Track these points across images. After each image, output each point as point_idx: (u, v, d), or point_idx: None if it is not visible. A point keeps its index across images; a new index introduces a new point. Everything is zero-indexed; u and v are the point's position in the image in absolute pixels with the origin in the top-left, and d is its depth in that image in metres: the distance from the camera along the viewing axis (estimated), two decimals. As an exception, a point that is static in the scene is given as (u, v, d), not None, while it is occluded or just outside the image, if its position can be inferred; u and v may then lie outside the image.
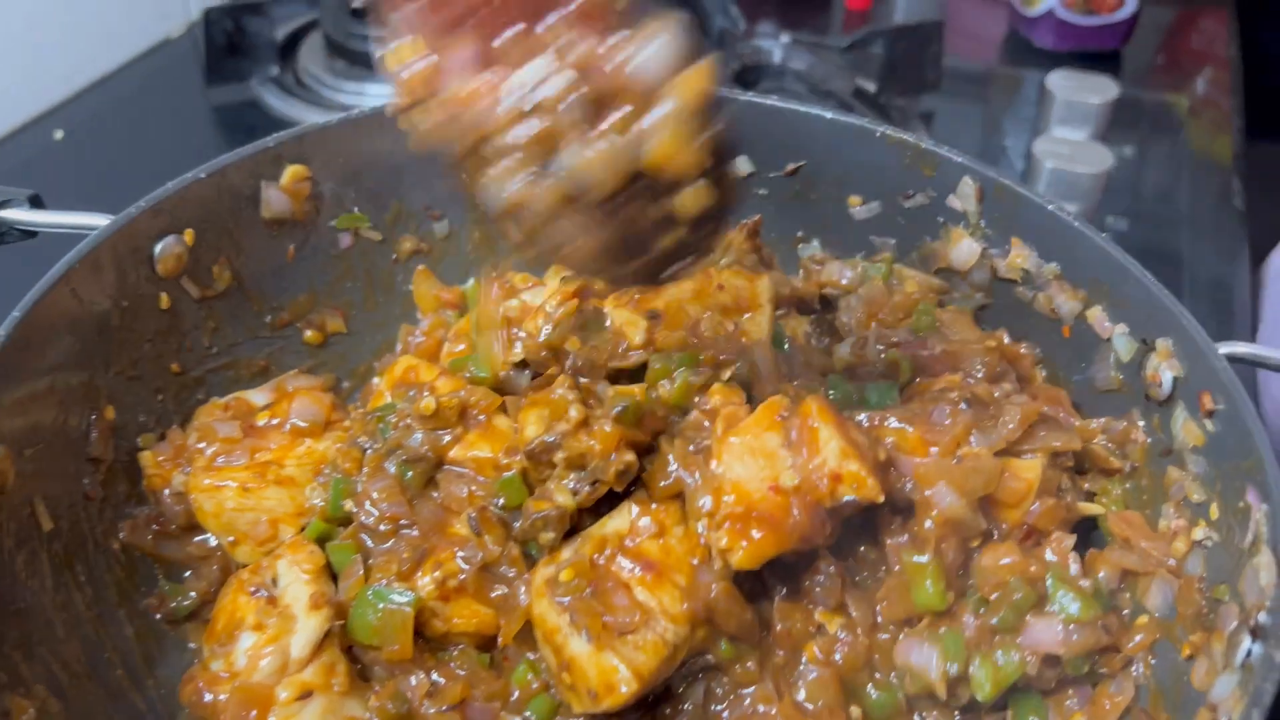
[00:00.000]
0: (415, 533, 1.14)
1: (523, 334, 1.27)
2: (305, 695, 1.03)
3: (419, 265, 1.50)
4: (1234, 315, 1.86)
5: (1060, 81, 2.25)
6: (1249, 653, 0.90)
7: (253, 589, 1.11)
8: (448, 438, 1.17)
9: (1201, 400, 1.08)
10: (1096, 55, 2.58)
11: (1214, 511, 1.06)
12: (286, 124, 2.25)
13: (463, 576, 1.10)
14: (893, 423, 1.15)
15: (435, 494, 1.16)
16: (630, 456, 1.09)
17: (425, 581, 1.10)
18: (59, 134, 2.29)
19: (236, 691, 1.02)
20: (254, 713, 1.02)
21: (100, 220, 1.20)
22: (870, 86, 2.29)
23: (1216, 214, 2.17)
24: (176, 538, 1.23)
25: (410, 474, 1.15)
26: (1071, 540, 1.13)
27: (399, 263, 1.49)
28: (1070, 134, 2.20)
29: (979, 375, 1.25)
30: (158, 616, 1.20)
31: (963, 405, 1.15)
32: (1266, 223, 2.33)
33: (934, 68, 2.39)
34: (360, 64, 2.40)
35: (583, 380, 1.15)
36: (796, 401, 1.08)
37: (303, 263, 1.41)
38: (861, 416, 1.15)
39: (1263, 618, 0.89)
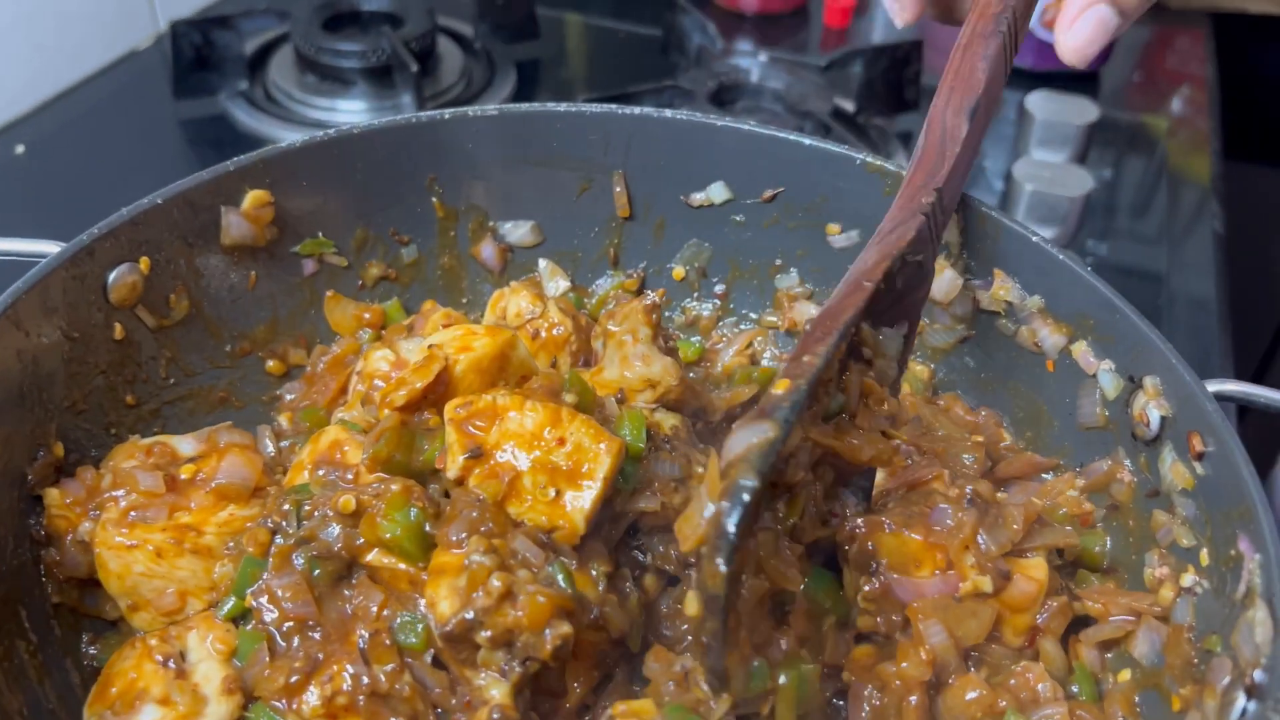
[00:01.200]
0: (318, 635, 1.06)
1: (379, 389, 1.21)
2: None
3: (330, 290, 1.44)
4: (1214, 339, 1.84)
5: (1040, 103, 2.24)
6: (1244, 711, 0.87)
7: (160, 658, 1.04)
8: (362, 539, 1.08)
9: (1190, 441, 1.05)
10: (1075, 76, 2.56)
11: (1204, 558, 1.03)
12: (255, 139, 2.21)
13: (349, 693, 1.02)
14: (890, 527, 1.11)
15: (348, 592, 1.08)
16: (566, 628, 1.00)
17: (312, 696, 1.01)
18: (20, 148, 2.23)
19: None
20: None
21: (51, 247, 1.16)
22: (849, 106, 2.27)
23: (1195, 236, 2.16)
24: (90, 591, 1.15)
25: (318, 571, 1.07)
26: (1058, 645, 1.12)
27: (365, 289, 1.45)
28: (1049, 156, 2.19)
29: (972, 470, 1.21)
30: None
31: (967, 504, 1.11)
32: (1245, 245, 2.32)
33: (913, 88, 2.37)
34: (331, 79, 2.35)
35: (487, 529, 1.05)
36: None
37: (264, 290, 1.36)
38: (857, 524, 1.12)
39: (1258, 676, 0.86)
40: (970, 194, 1.28)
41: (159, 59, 2.54)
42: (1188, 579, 1.05)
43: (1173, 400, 1.09)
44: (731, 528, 0.95)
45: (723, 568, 0.95)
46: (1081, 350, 1.21)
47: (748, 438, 1.00)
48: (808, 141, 1.37)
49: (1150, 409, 1.11)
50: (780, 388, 1.04)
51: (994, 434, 1.34)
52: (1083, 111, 2.23)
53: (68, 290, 1.14)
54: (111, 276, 1.19)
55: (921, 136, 1.23)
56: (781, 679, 1.05)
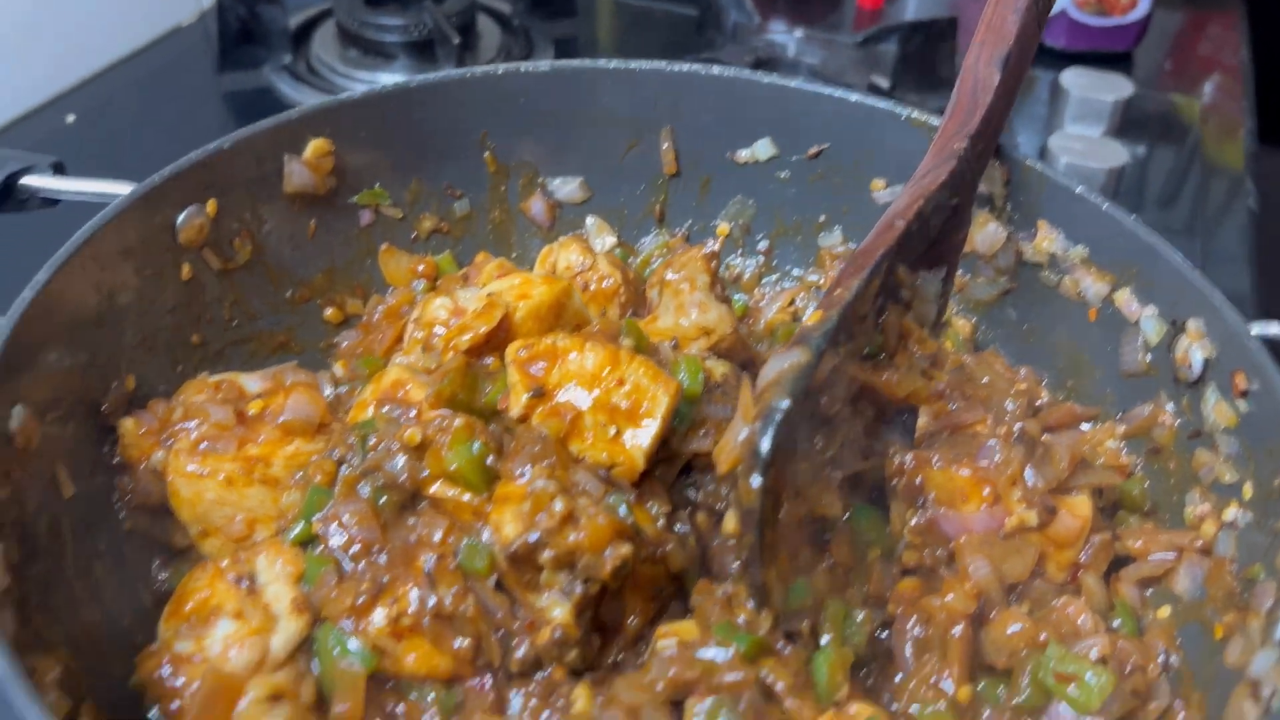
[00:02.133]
0: (384, 559, 1.09)
1: (439, 336, 1.25)
2: (275, 698, 1.00)
3: (385, 243, 1.48)
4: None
5: (1074, 79, 2.25)
6: (1288, 628, 0.89)
7: (233, 577, 1.07)
8: (427, 471, 1.11)
9: (1234, 380, 1.07)
10: (1107, 57, 2.58)
11: (1247, 492, 1.05)
12: (299, 111, 2.25)
13: (415, 615, 1.05)
14: (938, 462, 1.13)
15: (413, 520, 1.11)
16: (626, 549, 1.02)
17: (379, 616, 1.05)
18: (71, 118, 2.28)
19: (210, 677, 0.98)
20: (221, 703, 0.97)
21: (123, 188, 1.20)
22: (884, 83, 2.29)
23: (1229, 215, 2.17)
24: (160, 519, 1.18)
25: (384, 499, 1.10)
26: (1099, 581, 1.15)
27: (418, 241, 1.48)
28: (1084, 131, 2.21)
29: (1014, 416, 1.23)
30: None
31: (1015, 440, 1.14)
32: (1276, 233, 2.33)
33: (947, 65, 2.39)
34: (373, 52, 2.39)
35: (550, 463, 1.07)
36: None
37: (323, 239, 1.40)
38: (906, 459, 1.14)
39: (1303, 592, 0.89)
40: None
41: (202, 35, 2.59)
42: (1230, 514, 1.07)
43: (1216, 341, 1.11)
44: (765, 445, 0.99)
45: (755, 483, 0.98)
46: (1124, 298, 1.23)
47: (780, 363, 1.04)
48: (854, 98, 1.40)
49: (1193, 351, 1.13)
50: (813, 319, 1.08)
51: (1033, 391, 1.36)
52: (1117, 88, 2.25)
53: (140, 228, 1.18)
54: (180, 218, 1.23)
55: (955, 88, 1.27)
56: (831, 609, 1.08)
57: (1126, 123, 2.27)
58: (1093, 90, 2.23)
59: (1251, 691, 0.91)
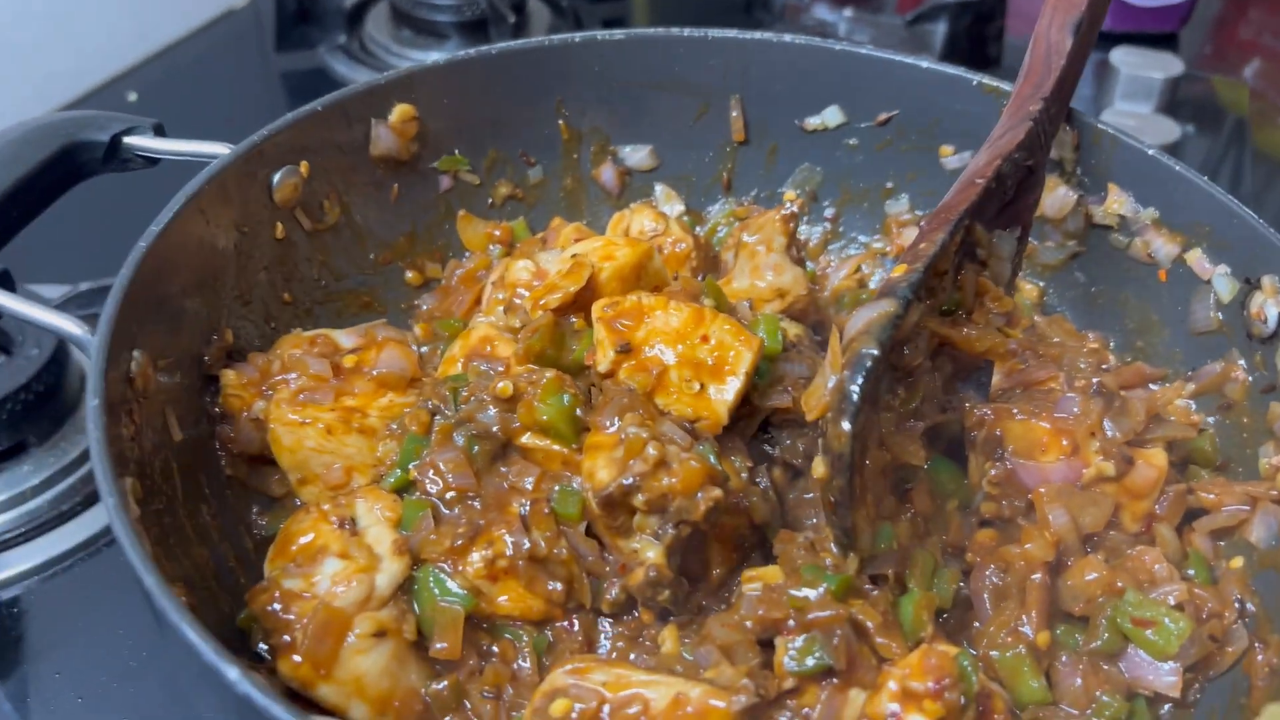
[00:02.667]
0: (478, 505, 1.13)
1: (523, 297, 1.29)
2: (380, 634, 1.04)
3: (462, 209, 1.51)
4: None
5: (1124, 57, 2.27)
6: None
7: (336, 520, 1.11)
8: (518, 423, 1.16)
9: (1311, 333, 1.10)
10: (1153, 38, 2.59)
11: (1324, 440, 1.08)
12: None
13: (510, 558, 1.09)
14: (1018, 415, 1.16)
15: (505, 468, 1.16)
16: (717, 492, 1.06)
17: (475, 558, 1.09)
18: (132, 96, 2.33)
19: (323, 610, 1.02)
20: (331, 638, 1.02)
21: (222, 148, 1.23)
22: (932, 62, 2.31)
23: (1270, 186, 2.18)
24: (259, 468, 1.23)
25: (477, 448, 1.14)
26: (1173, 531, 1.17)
27: (494, 207, 1.52)
28: (1133, 109, 2.22)
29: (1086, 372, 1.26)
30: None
31: (1093, 393, 1.16)
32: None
33: (996, 44, 2.41)
34: (425, 32, 2.43)
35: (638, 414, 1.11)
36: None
37: (405, 203, 1.44)
38: (985, 411, 1.16)
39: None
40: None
41: (253, 17, 2.63)
42: (1306, 462, 1.10)
43: (1292, 296, 1.14)
44: (854, 391, 1.02)
45: (847, 427, 1.01)
46: (1196, 257, 1.25)
47: (868, 314, 1.07)
48: (924, 64, 1.42)
49: (1269, 306, 1.16)
50: (899, 271, 1.11)
51: (1101, 354, 1.39)
52: (1167, 66, 2.26)
53: (240, 185, 1.22)
54: (276, 177, 1.27)
55: (1028, 53, 1.30)
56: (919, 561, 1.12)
57: (1173, 103, 2.28)
58: (1142, 68, 2.24)
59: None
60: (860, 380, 1.02)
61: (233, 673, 0.73)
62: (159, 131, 1.26)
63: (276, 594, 1.04)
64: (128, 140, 1.24)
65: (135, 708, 1.25)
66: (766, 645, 1.04)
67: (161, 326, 1.11)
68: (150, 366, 1.07)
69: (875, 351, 1.03)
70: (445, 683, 1.07)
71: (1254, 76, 2.66)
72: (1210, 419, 1.26)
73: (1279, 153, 2.34)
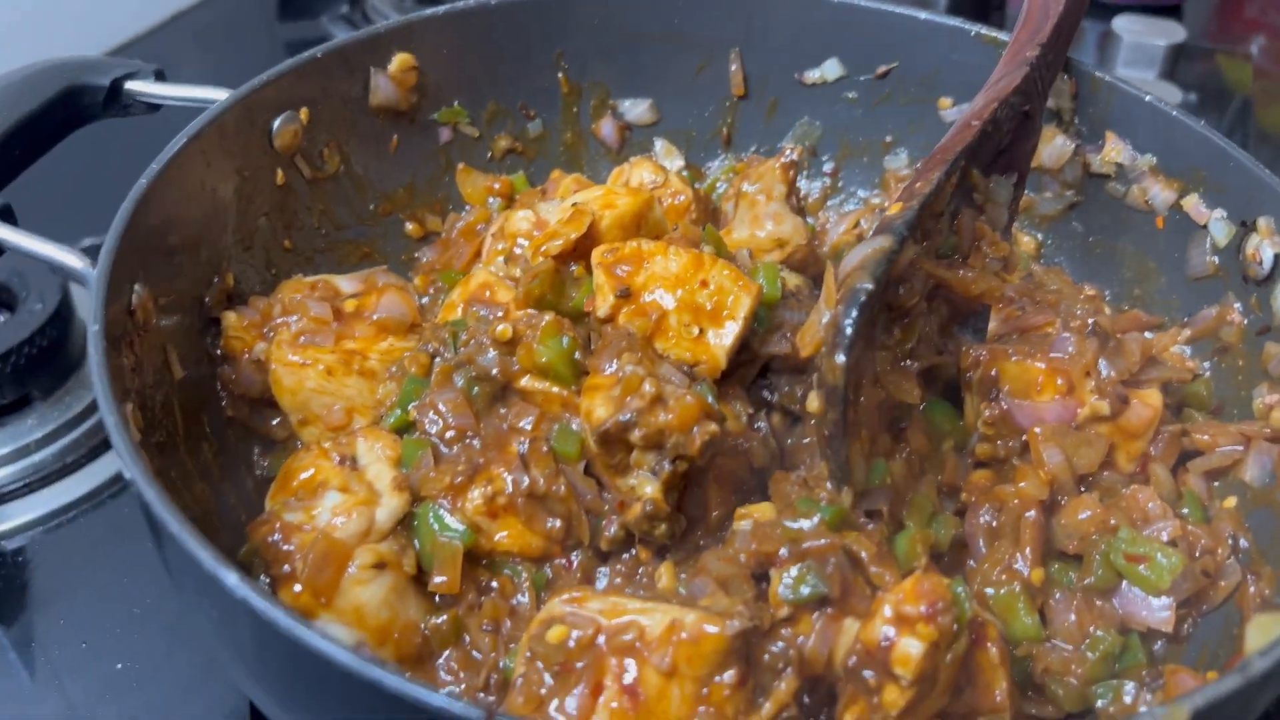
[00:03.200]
0: (477, 444, 1.14)
1: (525, 246, 1.30)
2: (379, 566, 1.05)
3: (462, 162, 1.52)
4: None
5: (1126, 24, 2.27)
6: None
7: (337, 457, 1.12)
8: (518, 365, 1.17)
9: (1306, 270, 1.10)
10: (1156, 9, 2.58)
11: (1318, 377, 1.08)
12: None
13: (509, 495, 1.10)
14: (1013, 355, 1.16)
15: (504, 410, 1.17)
16: (713, 426, 1.07)
17: (475, 495, 1.10)
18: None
19: (322, 541, 1.03)
20: (331, 567, 1.02)
21: (221, 94, 1.24)
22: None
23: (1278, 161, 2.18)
24: (260, 410, 1.24)
25: (476, 390, 1.15)
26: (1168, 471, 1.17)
27: (493, 160, 1.53)
28: (1136, 74, 2.22)
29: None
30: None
31: (1089, 334, 1.17)
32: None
33: (997, 14, 2.41)
34: (427, 2, 2.43)
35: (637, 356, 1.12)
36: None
37: (404, 154, 1.45)
38: (981, 352, 1.17)
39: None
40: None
41: (258, -13, 2.64)
42: (1300, 400, 1.10)
43: (1287, 236, 1.14)
44: (849, 324, 1.02)
45: (841, 359, 1.02)
46: (1193, 203, 1.26)
47: (863, 250, 1.08)
48: (923, 15, 1.43)
49: (1264, 247, 1.16)
50: (894, 209, 1.11)
51: (1098, 305, 1.39)
52: (1169, 33, 2.26)
53: (240, 130, 1.23)
54: (276, 123, 1.28)
55: (1025, 1, 1.31)
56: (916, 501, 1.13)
57: (1175, 72, 2.28)
58: (1145, 35, 2.24)
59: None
60: (855, 314, 1.03)
61: (231, 578, 0.74)
62: (160, 77, 1.27)
63: (277, 526, 1.05)
64: (129, 85, 1.25)
65: (138, 653, 1.26)
66: (761, 580, 1.05)
67: (162, 264, 1.12)
68: (151, 301, 1.08)
69: (870, 286, 1.04)
70: (444, 616, 1.08)
71: (1258, 54, 2.65)
72: (1205, 365, 1.26)
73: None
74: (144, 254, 1.07)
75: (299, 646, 0.72)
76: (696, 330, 1.16)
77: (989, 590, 1.10)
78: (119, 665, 1.26)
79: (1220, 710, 0.72)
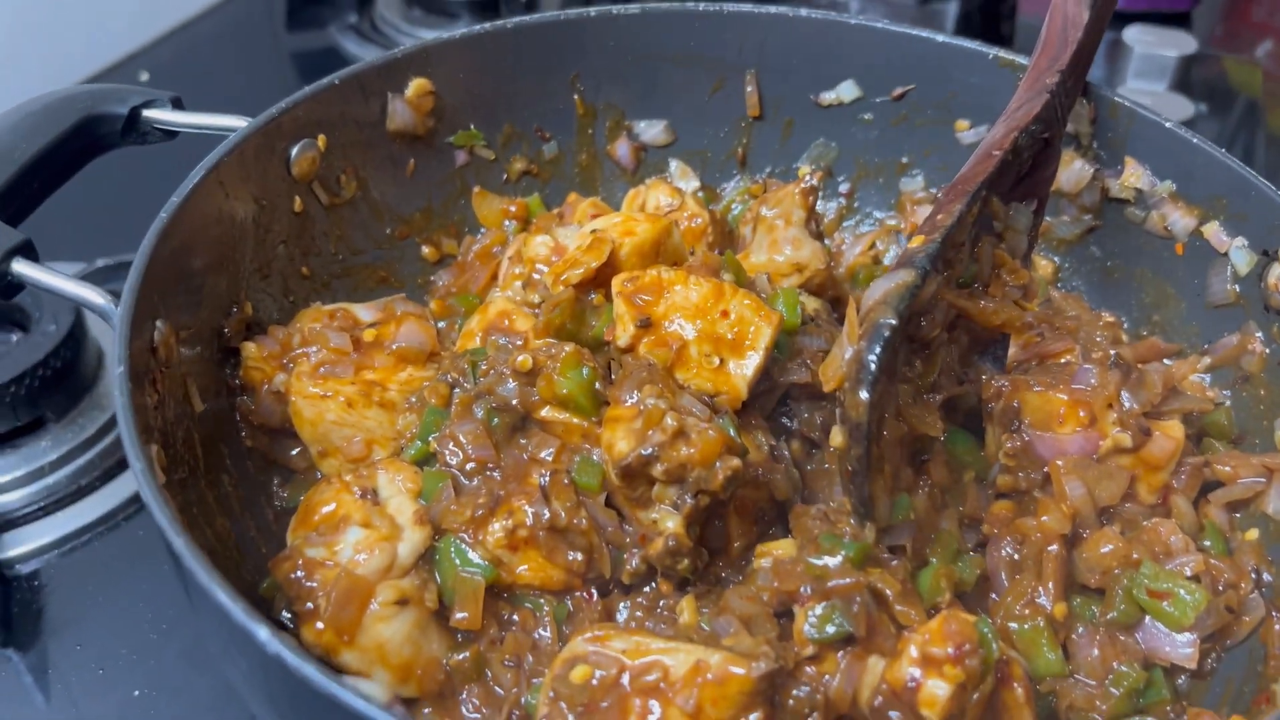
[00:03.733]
0: (498, 476, 1.13)
1: (543, 271, 1.29)
2: (402, 602, 1.05)
3: (477, 185, 1.52)
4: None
5: (1137, 35, 2.26)
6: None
7: (358, 491, 1.12)
8: (538, 396, 1.16)
9: (1329, 303, 1.10)
10: (1165, 17, 2.57)
11: (1342, 410, 1.08)
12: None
13: (530, 528, 1.09)
14: (1035, 386, 1.16)
15: (524, 440, 1.16)
16: (735, 462, 1.06)
17: (496, 528, 1.10)
18: (145, 75, 2.33)
19: (346, 578, 1.02)
20: (354, 605, 1.02)
21: (239, 122, 1.24)
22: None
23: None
24: (280, 441, 1.24)
25: (496, 421, 1.15)
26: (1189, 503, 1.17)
27: (509, 183, 1.52)
28: (1147, 87, 2.22)
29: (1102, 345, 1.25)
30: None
31: (1111, 365, 1.16)
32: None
33: (1009, 23, 2.41)
34: (436, 11, 2.44)
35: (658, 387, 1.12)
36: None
37: (421, 178, 1.44)
38: (1003, 383, 1.16)
39: None
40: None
41: (263, -1, 2.63)
42: (1323, 433, 1.10)
43: (1310, 267, 1.14)
44: (872, 360, 1.02)
45: (865, 396, 1.02)
46: (1213, 230, 1.25)
47: (887, 284, 1.07)
48: (940, 38, 1.42)
49: (1286, 278, 1.16)
50: (916, 241, 1.11)
51: (1115, 333, 1.39)
52: (1180, 44, 2.26)
53: (259, 158, 1.23)
54: (294, 151, 1.27)
55: (1045, 26, 1.30)
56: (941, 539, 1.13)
57: (1186, 82, 2.27)
58: (1156, 46, 2.24)
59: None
60: (878, 350, 1.02)
61: (263, 633, 0.74)
62: (177, 105, 1.27)
63: (300, 562, 1.05)
64: (146, 113, 1.25)
65: (156, 679, 1.26)
66: (784, 617, 1.05)
67: (182, 297, 1.12)
68: (173, 336, 1.07)
69: (893, 321, 1.03)
70: (466, 653, 1.08)
71: (1266, 58, 2.65)
72: (1226, 393, 1.26)
73: (1292, 134, 2.33)
74: (165, 288, 1.07)
75: (334, 703, 0.72)
76: (717, 360, 1.16)
77: (1012, 625, 1.10)
78: (136, 692, 1.26)
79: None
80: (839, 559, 1.03)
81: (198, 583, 0.78)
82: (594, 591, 1.14)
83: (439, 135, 1.43)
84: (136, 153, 1.33)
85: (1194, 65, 2.26)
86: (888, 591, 1.03)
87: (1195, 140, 1.25)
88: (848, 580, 1.01)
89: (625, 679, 0.96)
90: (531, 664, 1.09)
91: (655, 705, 0.94)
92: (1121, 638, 1.10)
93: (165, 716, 1.24)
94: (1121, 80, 2.24)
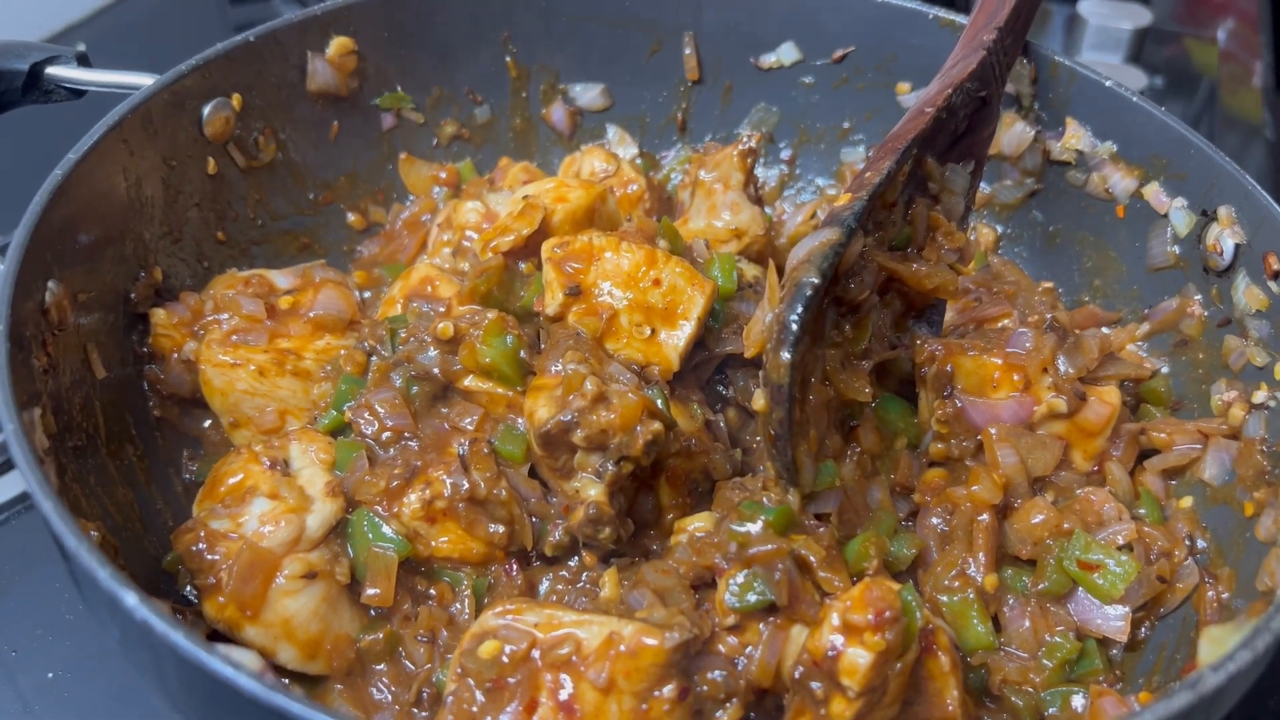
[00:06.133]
0: (415, 446, 1.09)
1: (473, 239, 1.26)
2: (310, 576, 1.01)
3: (405, 151, 1.48)
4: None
5: (1093, 7, 2.24)
6: (1322, 491, 0.90)
7: (267, 461, 1.07)
8: (460, 365, 1.12)
9: (1266, 262, 1.07)
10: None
11: (1278, 372, 1.06)
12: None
13: (449, 499, 1.06)
14: (970, 350, 1.13)
15: (446, 410, 1.12)
16: (657, 425, 1.02)
17: (412, 499, 1.06)
18: (81, 47, 2.26)
19: (248, 551, 0.98)
20: (258, 578, 0.98)
21: (148, 79, 1.19)
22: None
23: (1246, 148, 2.16)
24: (191, 412, 1.20)
25: (415, 389, 1.11)
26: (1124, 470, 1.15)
27: (440, 147, 1.48)
28: (1102, 58, 2.19)
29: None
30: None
31: (1047, 329, 1.13)
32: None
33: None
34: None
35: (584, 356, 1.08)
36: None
37: (346, 141, 1.40)
38: (936, 347, 1.14)
39: (1339, 453, 0.89)
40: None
41: (211, -32, 2.57)
42: (1259, 396, 1.08)
43: (1247, 226, 1.11)
44: (794, 320, 0.98)
45: (786, 357, 0.98)
46: (1153, 191, 1.23)
47: (810, 243, 1.04)
48: (879, -1, 1.39)
49: (1224, 238, 1.13)
50: (843, 200, 1.07)
51: (1054, 301, 1.36)
52: (1135, 16, 2.23)
53: (167, 116, 1.18)
54: (207, 110, 1.22)
55: None
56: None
57: (1145, 54, 2.25)
58: (1111, 19, 2.21)
59: (1284, 551, 0.92)
60: (799, 309, 0.99)
61: (130, 598, 0.70)
62: (83, 61, 1.21)
63: (201, 534, 1.01)
64: (50, 70, 1.20)
65: (70, 661, 1.22)
66: (700, 589, 1.01)
67: (81, 259, 1.07)
68: (68, 299, 1.02)
69: (816, 280, 1.00)
70: (379, 634, 1.04)
71: (1226, 37, 2.63)
72: (1164, 364, 1.24)
73: (1249, 115, 2.31)
74: (60, 249, 1.02)
75: (202, 671, 0.68)
76: (648, 330, 1.12)
77: (942, 597, 1.07)
78: (50, 674, 1.21)
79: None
80: (759, 525, 0.99)
81: (66, 547, 0.74)
82: (515, 564, 1.10)
83: (364, 97, 1.39)
84: (44, 114, 1.28)
85: (1152, 40, 2.24)
86: (811, 558, 1.00)
87: (1135, 99, 1.22)
88: (769, 547, 0.97)
89: (536, 653, 0.92)
90: (446, 640, 1.05)
91: (567, 679, 0.91)
92: (1053, 609, 1.07)
93: (80, 697, 1.20)
94: (1077, 52, 2.22)
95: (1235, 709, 1.11)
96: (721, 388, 1.22)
